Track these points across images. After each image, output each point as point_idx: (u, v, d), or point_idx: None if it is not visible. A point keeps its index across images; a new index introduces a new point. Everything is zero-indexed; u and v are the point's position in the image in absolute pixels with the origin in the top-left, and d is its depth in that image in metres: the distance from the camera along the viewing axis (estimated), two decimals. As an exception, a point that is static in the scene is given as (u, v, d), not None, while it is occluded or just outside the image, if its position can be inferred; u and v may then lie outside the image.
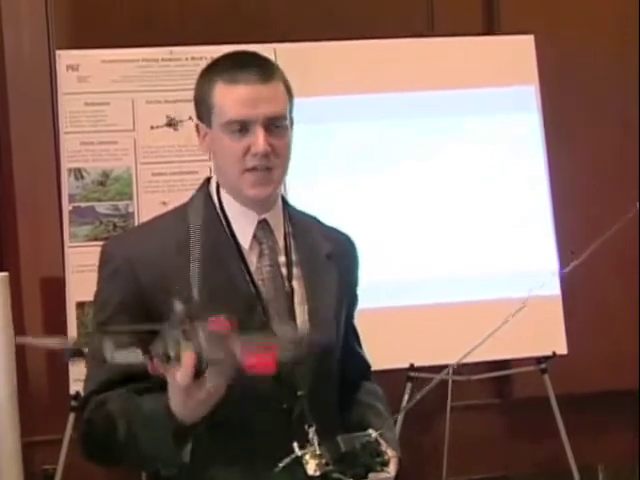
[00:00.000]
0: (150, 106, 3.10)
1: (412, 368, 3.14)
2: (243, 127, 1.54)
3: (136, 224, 3.06)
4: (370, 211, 3.19)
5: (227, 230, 1.60)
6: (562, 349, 3.22)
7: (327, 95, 3.23)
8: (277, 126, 1.56)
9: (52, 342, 1.21)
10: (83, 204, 3.07)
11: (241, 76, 1.55)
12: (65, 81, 3.10)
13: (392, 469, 1.50)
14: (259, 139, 1.53)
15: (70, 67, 3.09)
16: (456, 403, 3.56)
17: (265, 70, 1.58)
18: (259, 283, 1.57)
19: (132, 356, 1.25)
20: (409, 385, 3.15)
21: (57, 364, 3.24)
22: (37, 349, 3.43)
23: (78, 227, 3.06)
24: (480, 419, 3.77)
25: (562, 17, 3.71)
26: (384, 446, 1.48)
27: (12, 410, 2.95)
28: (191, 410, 1.36)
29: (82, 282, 2.95)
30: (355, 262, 1.75)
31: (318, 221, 1.75)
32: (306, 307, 1.60)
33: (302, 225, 1.67)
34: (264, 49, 3.09)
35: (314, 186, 3.14)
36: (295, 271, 1.61)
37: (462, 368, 3.33)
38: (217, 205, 1.61)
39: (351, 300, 1.73)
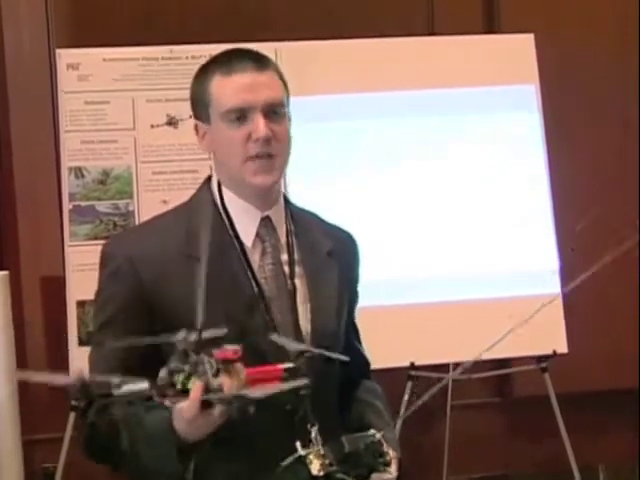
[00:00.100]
0: (150, 105, 3.10)
1: (412, 367, 3.14)
2: (242, 115, 1.55)
3: (136, 223, 3.05)
4: (370, 209, 3.19)
5: (230, 228, 1.59)
6: (562, 348, 3.22)
7: (328, 94, 3.23)
8: (276, 112, 1.57)
9: (55, 379, 1.19)
10: (83, 203, 3.07)
11: (237, 66, 1.56)
12: (65, 80, 3.09)
13: (394, 470, 1.50)
14: (259, 124, 1.54)
15: (70, 66, 3.09)
16: (456, 402, 3.56)
17: (260, 59, 1.59)
18: (262, 281, 1.57)
19: (138, 387, 1.23)
20: (409, 384, 3.15)
21: (58, 362, 3.25)
22: (38, 347, 3.47)
23: (78, 226, 3.06)
24: (480, 418, 3.77)
25: (562, 16, 3.71)
26: (386, 446, 1.49)
27: (12, 408, 2.95)
28: (195, 431, 1.35)
29: (82, 281, 2.95)
30: (356, 259, 1.75)
31: (319, 218, 1.75)
32: (308, 305, 1.59)
33: (304, 223, 1.67)
34: (265, 48, 3.09)
35: (314, 184, 3.14)
36: (297, 269, 1.61)
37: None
38: (219, 203, 1.61)
39: (352, 297, 1.73)
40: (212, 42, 2.85)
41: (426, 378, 3.12)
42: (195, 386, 1.25)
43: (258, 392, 1.21)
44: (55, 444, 3.09)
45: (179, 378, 1.25)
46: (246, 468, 1.48)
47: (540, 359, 3.26)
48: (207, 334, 1.25)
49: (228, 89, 1.55)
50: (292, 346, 1.32)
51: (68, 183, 3.07)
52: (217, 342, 1.27)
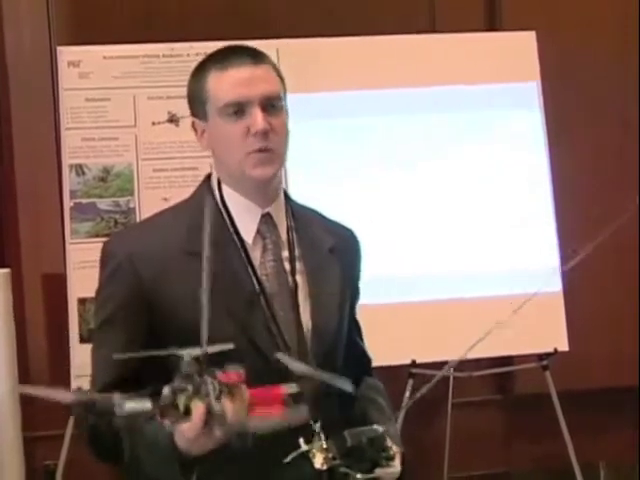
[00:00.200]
0: (151, 102, 3.10)
1: (414, 364, 3.14)
2: (240, 109, 1.54)
3: (137, 220, 3.05)
4: (371, 206, 3.19)
5: (230, 226, 1.59)
6: (564, 346, 3.22)
7: (329, 91, 3.23)
8: (273, 106, 1.56)
9: (56, 395, 1.18)
10: (84, 200, 3.07)
11: (233, 61, 1.56)
12: (66, 77, 3.09)
13: (398, 464, 1.50)
14: (257, 118, 1.53)
15: (71, 63, 3.09)
16: (457, 399, 3.56)
17: (256, 54, 1.59)
18: (263, 278, 1.57)
19: (140, 406, 1.22)
20: (411, 381, 3.15)
21: (59, 360, 3.25)
22: (39, 344, 3.47)
23: (79, 223, 3.06)
24: (481, 415, 3.78)
25: (563, 15, 3.71)
26: (389, 441, 1.49)
27: (14, 405, 2.96)
28: (197, 448, 1.34)
29: (83, 278, 2.95)
30: (357, 256, 1.75)
31: (320, 215, 1.74)
32: (310, 302, 1.59)
33: (304, 219, 1.67)
34: (266, 46, 3.09)
35: (315, 181, 3.14)
36: (298, 265, 1.60)
37: (463, 364, 3.33)
38: (219, 201, 1.61)
39: (354, 294, 1.72)
40: (213, 39, 2.86)
41: (427, 376, 3.11)
42: (197, 409, 1.24)
43: (260, 424, 1.20)
44: (56, 441, 3.09)
45: (182, 399, 1.23)
46: (249, 465, 1.48)
47: (541, 357, 3.26)
48: (213, 349, 1.24)
49: (225, 84, 1.55)
50: (296, 367, 1.30)
51: (69, 180, 3.07)
52: (221, 359, 1.26)
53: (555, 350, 3.22)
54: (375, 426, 1.47)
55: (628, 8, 3.74)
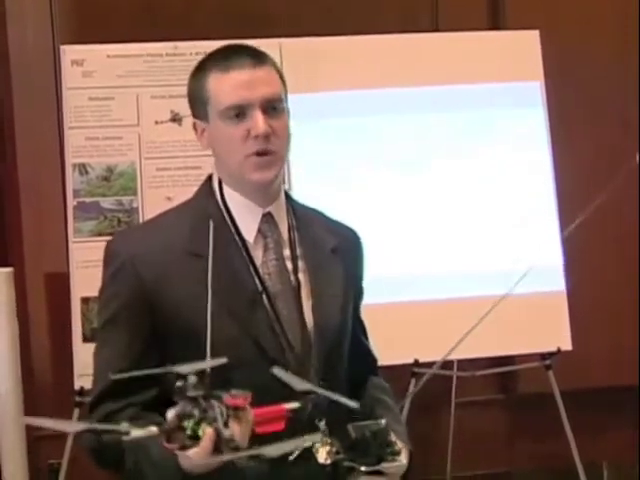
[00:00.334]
0: (155, 101, 3.10)
1: (416, 364, 3.14)
2: (241, 112, 1.54)
3: (140, 219, 3.06)
4: (374, 206, 3.19)
5: (231, 226, 1.59)
6: (567, 345, 3.22)
7: (331, 90, 3.22)
8: (274, 108, 1.56)
9: (64, 426, 1.18)
10: (88, 199, 3.07)
11: (234, 62, 1.55)
12: (70, 76, 3.09)
13: (404, 459, 1.50)
14: (258, 121, 1.53)
15: (75, 62, 3.09)
16: (460, 399, 3.56)
17: (257, 55, 1.58)
18: (265, 277, 1.57)
19: (146, 433, 1.21)
20: (413, 381, 3.15)
21: (62, 359, 3.25)
22: (42, 344, 3.47)
23: (83, 222, 3.06)
24: (484, 415, 3.77)
25: (565, 14, 3.70)
26: (394, 437, 1.48)
27: (17, 404, 2.96)
28: (202, 469, 1.34)
29: (87, 277, 2.95)
30: (360, 256, 1.75)
31: (322, 215, 1.74)
32: (313, 301, 1.59)
33: (306, 218, 1.67)
34: (269, 44, 3.09)
35: (319, 182, 3.14)
36: (300, 264, 1.60)
37: (466, 364, 3.33)
38: (220, 201, 1.61)
39: (357, 294, 1.72)
40: (216, 38, 2.86)
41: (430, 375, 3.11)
42: (207, 435, 1.23)
43: (274, 450, 1.17)
44: (60, 440, 3.09)
45: (189, 424, 1.22)
46: (253, 464, 1.47)
47: (544, 356, 3.26)
48: (208, 364, 1.23)
49: (226, 86, 1.55)
50: (296, 384, 1.29)
51: (72, 179, 3.07)
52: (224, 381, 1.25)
53: (558, 349, 3.21)
54: (379, 420, 1.47)
55: (629, 8, 3.74)
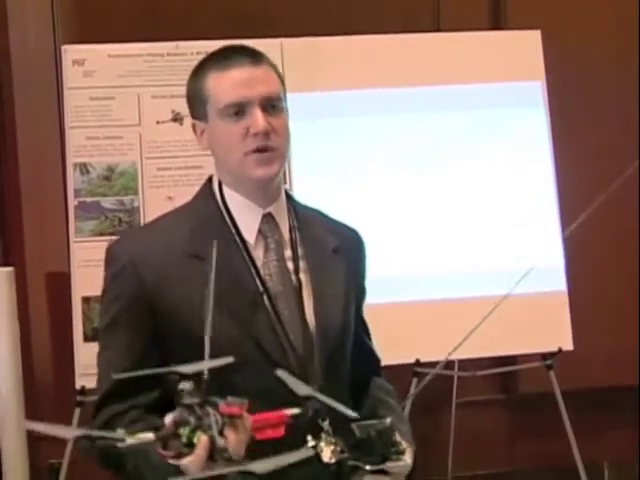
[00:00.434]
0: (156, 101, 3.10)
1: (418, 363, 3.14)
2: (240, 110, 1.54)
3: (141, 219, 3.06)
4: (374, 206, 3.19)
5: (232, 227, 1.59)
6: (568, 345, 3.21)
7: (333, 90, 3.22)
8: (274, 106, 1.56)
9: (60, 431, 1.17)
10: (88, 199, 3.07)
11: (233, 61, 1.56)
12: (70, 76, 3.09)
13: (408, 458, 1.49)
14: (258, 118, 1.53)
15: (76, 62, 3.09)
16: (461, 399, 3.56)
17: (255, 54, 1.59)
18: (266, 278, 1.57)
19: (143, 440, 1.19)
20: (415, 381, 3.15)
21: (63, 358, 3.25)
22: (43, 343, 3.47)
23: (83, 222, 3.06)
24: (485, 415, 3.77)
25: (566, 14, 3.70)
26: (398, 436, 1.48)
27: (18, 404, 2.96)
28: (199, 474, 1.31)
29: (88, 277, 2.95)
30: (362, 256, 1.74)
31: (323, 215, 1.74)
32: (315, 301, 1.58)
33: (307, 219, 1.66)
34: (270, 44, 3.10)
35: (319, 182, 3.14)
36: (301, 264, 1.60)
37: (467, 364, 3.33)
38: (220, 202, 1.61)
39: (359, 294, 1.72)
40: (217, 38, 2.86)
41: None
42: (201, 443, 1.21)
43: (264, 466, 1.15)
44: (60, 440, 3.07)
45: (185, 431, 1.21)
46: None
47: (545, 356, 3.26)
48: (213, 363, 1.22)
49: (225, 84, 1.55)
50: (298, 388, 1.28)
51: (73, 179, 3.08)
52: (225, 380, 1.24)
53: (559, 349, 3.21)
54: (383, 419, 1.47)
55: (630, 8, 3.73)
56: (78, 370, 2.98)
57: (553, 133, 3.33)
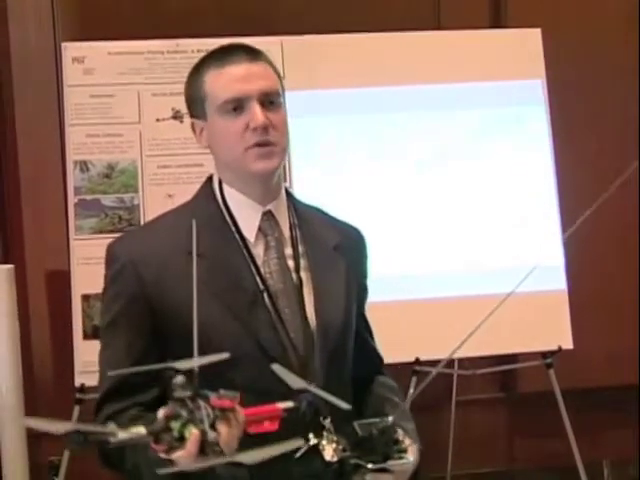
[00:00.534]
0: (156, 98, 3.10)
1: (418, 362, 3.14)
2: (239, 106, 1.54)
3: (141, 217, 3.06)
4: (375, 204, 3.18)
5: (232, 225, 1.59)
6: (568, 344, 3.21)
7: (332, 88, 3.22)
8: (272, 102, 1.56)
9: (50, 426, 1.16)
10: (89, 197, 3.07)
11: (230, 59, 1.56)
12: (70, 73, 3.09)
13: (411, 456, 1.49)
14: (256, 113, 1.53)
15: (76, 59, 3.09)
16: (461, 397, 3.56)
17: (252, 51, 1.59)
18: (267, 276, 1.56)
19: (134, 435, 1.19)
20: (414, 379, 3.15)
21: (62, 356, 3.25)
22: (43, 341, 3.47)
23: (84, 220, 3.06)
24: (485, 413, 3.77)
25: (566, 13, 3.69)
26: (401, 435, 1.48)
27: (18, 402, 2.96)
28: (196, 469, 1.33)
29: (87, 275, 2.95)
30: (363, 254, 1.74)
31: (325, 213, 1.74)
32: (315, 299, 1.58)
33: (307, 216, 1.66)
34: (271, 42, 3.10)
35: (320, 179, 3.14)
36: (302, 262, 1.60)
37: (467, 362, 3.33)
38: (220, 201, 1.61)
39: (361, 293, 1.71)
40: (217, 36, 2.86)
41: (431, 374, 3.11)
42: (192, 437, 1.21)
43: (252, 457, 1.15)
44: (60, 437, 3.09)
45: (176, 425, 1.21)
46: (257, 463, 1.47)
47: (545, 355, 3.26)
48: (208, 359, 1.22)
49: (223, 81, 1.55)
50: (292, 381, 1.28)
51: (73, 177, 3.07)
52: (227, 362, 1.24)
53: (559, 348, 3.21)
54: (385, 417, 1.47)
55: (631, 6, 3.73)
56: (78, 368, 2.97)
57: (553, 132, 3.33)
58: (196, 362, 1.21)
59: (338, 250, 1.65)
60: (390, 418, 1.46)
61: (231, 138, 1.55)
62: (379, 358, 1.78)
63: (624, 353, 3.68)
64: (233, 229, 1.58)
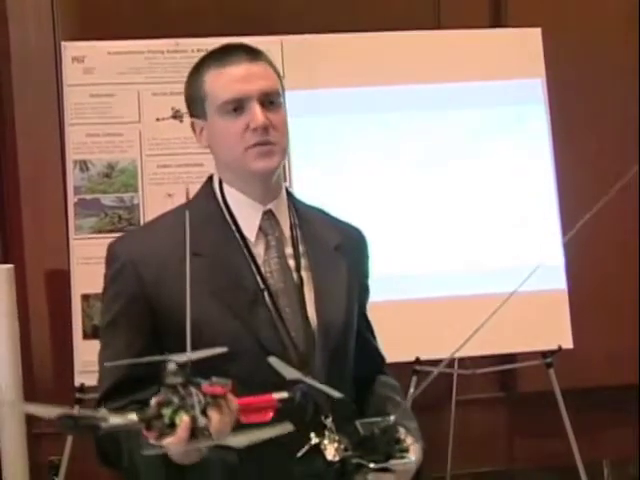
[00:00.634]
0: (156, 98, 3.10)
1: (418, 362, 3.13)
2: (239, 106, 1.54)
3: (141, 216, 3.06)
4: (375, 204, 3.18)
5: (232, 225, 1.59)
6: (568, 343, 3.21)
7: (332, 88, 3.22)
8: (272, 102, 1.56)
9: (41, 411, 1.16)
10: (88, 196, 3.07)
11: (230, 59, 1.56)
12: (70, 73, 3.09)
13: (413, 455, 1.49)
14: (256, 114, 1.53)
15: (76, 59, 3.09)
16: (461, 397, 3.56)
17: (252, 51, 1.59)
18: (267, 275, 1.56)
19: (126, 420, 1.20)
20: (414, 379, 3.15)
21: (62, 356, 3.25)
22: (43, 340, 3.47)
23: (83, 219, 3.06)
24: (485, 413, 3.77)
25: (567, 12, 3.70)
26: (403, 434, 1.48)
27: (17, 401, 2.96)
28: (186, 459, 1.32)
29: (87, 274, 2.95)
30: (365, 254, 1.74)
31: (325, 213, 1.74)
32: (316, 298, 1.58)
33: (308, 216, 1.66)
34: (271, 41, 3.10)
35: (319, 179, 3.14)
36: (303, 261, 1.60)
37: (467, 362, 3.33)
38: (221, 200, 1.61)
39: (362, 293, 1.71)
40: (217, 35, 2.86)
41: (431, 373, 3.10)
42: (183, 423, 1.21)
43: (241, 440, 1.16)
44: (60, 437, 3.09)
45: (167, 412, 1.21)
46: (259, 463, 1.47)
47: (545, 354, 3.26)
48: (204, 353, 1.22)
49: (223, 81, 1.55)
50: (288, 373, 1.28)
51: (73, 176, 3.07)
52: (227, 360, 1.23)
53: (559, 347, 3.21)
54: (387, 417, 1.47)
55: (631, 5, 3.73)
56: (77, 367, 2.98)
57: (553, 132, 3.33)
58: (194, 355, 1.21)
59: (339, 250, 1.65)
60: (392, 417, 1.46)
61: (231, 138, 1.55)
62: (381, 358, 1.78)
63: (624, 353, 3.68)
64: (233, 228, 1.58)
